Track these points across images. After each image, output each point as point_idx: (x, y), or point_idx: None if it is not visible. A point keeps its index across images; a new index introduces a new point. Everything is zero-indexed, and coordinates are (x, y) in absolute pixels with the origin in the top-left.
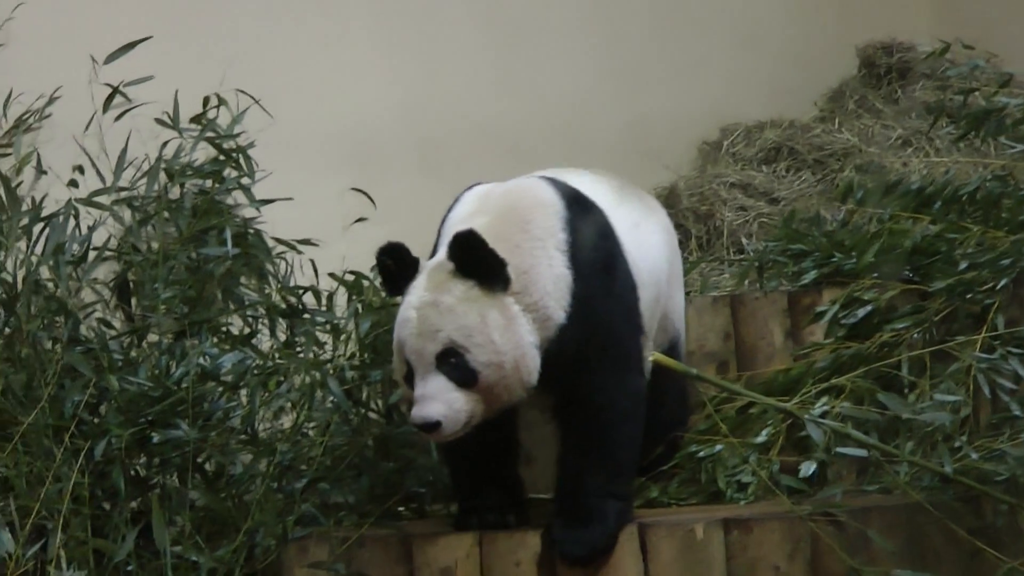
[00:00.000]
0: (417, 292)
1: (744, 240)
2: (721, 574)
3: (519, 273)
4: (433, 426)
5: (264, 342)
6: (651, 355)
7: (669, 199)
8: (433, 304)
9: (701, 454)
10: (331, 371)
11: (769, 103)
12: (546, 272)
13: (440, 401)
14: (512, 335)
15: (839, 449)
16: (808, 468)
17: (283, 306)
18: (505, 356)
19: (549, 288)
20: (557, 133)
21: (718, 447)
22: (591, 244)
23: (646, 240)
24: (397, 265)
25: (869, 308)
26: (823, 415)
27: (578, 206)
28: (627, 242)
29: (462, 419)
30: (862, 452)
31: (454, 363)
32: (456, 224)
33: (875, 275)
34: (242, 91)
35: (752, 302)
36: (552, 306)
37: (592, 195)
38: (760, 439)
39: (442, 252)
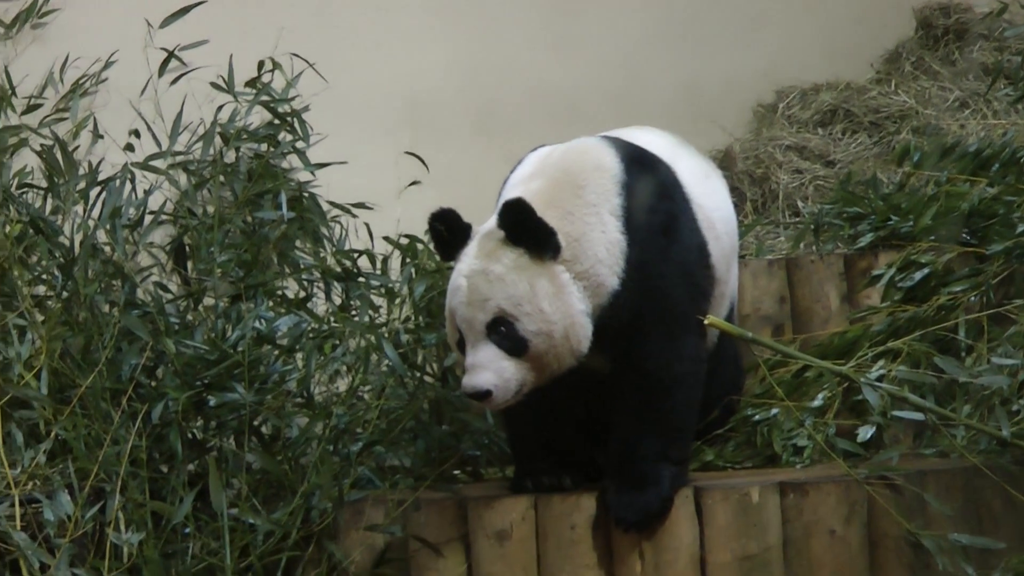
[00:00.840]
0: (467, 260)
1: (800, 203)
2: (777, 538)
3: (570, 241)
4: (484, 395)
5: (319, 305)
6: (706, 319)
7: (724, 162)
8: (483, 273)
9: (757, 418)
10: (386, 335)
11: (825, 65)
12: (598, 239)
13: (490, 370)
14: (562, 304)
15: (895, 412)
16: (864, 432)
17: (338, 270)
18: (555, 325)
19: (602, 255)
20: (611, 96)
21: (774, 411)
22: (648, 207)
23: (718, 190)
24: (449, 231)
25: (926, 271)
26: (879, 379)
27: (637, 167)
28: (699, 194)
29: (512, 388)
30: (919, 416)
31: (504, 332)
32: (513, 187)
33: (932, 238)
34: (296, 55)
35: (808, 265)
36: (604, 273)
37: (659, 150)
38: (816, 403)
39: (493, 219)
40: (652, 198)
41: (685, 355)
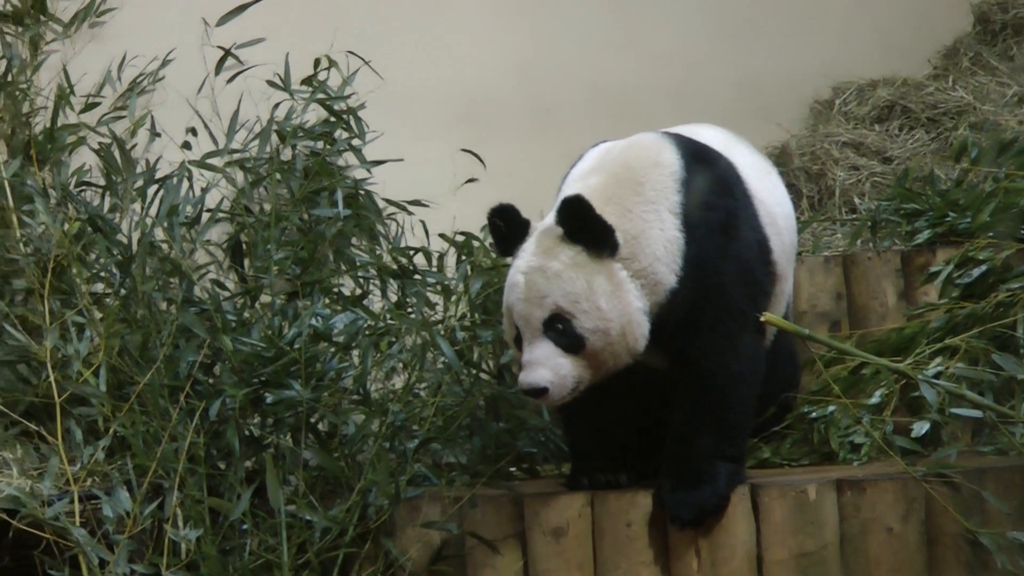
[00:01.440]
0: (525, 256)
1: (856, 199)
2: (834, 535)
3: (628, 238)
4: (540, 392)
5: (375, 303)
6: (762, 316)
7: (780, 158)
8: (540, 270)
9: (813, 415)
10: (442, 332)
11: (882, 61)
12: (657, 236)
13: (547, 367)
14: (619, 301)
15: (953, 410)
16: (922, 429)
17: (394, 267)
18: (611, 323)
19: (659, 253)
20: (669, 93)
21: (831, 408)
22: (707, 204)
23: (778, 187)
24: (507, 226)
25: (984, 268)
26: (937, 375)
27: (697, 163)
28: (760, 189)
29: (568, 385)
30: (977, 413)
31: (561, 329)
32: (573, 182)
33: (990, 234)
34: (352, 53)
35: (865, 262)
36: (662, 271)
37: (720, 147)
38: (873, 400)
39: (552, 215)
40: (712, 195)
41: (743, 353)
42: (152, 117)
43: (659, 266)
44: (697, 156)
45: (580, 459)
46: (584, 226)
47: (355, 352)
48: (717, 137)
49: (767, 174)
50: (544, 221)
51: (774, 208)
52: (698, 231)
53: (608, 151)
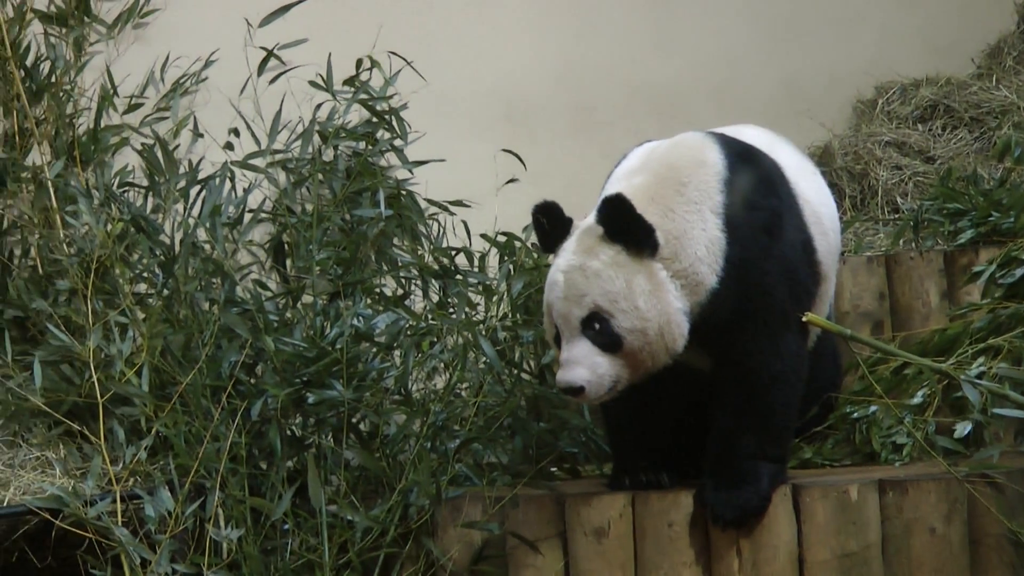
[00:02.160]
0: (566, 255)
1: (899, 199)
2: (876, 536)
3: (670, 238)
4: (577, 391)
5: (417, 303)
6: (805, 316)
7: (823, 158)
8: (580, 268)
9: (855, 415)
10: (483, 332)
11: (925, 60)
12: (699, 236)
13: (584, 366)
14: (658, 301)
15: (996, 410)
16: (964, 429)
17: (436, 267)
18: (649, 322)
19: (701, 253)
20: (711, 93)
21: (873, 408)
22: (751, 204)
23: (823, 186)
24: (550, 223)
25: None
26: (980, 376)
27: (742, 164)
28: (806, 189)
29: (606, 384)
30: (1020, 413)
31: (599, 328)
32: (616, 181)
33: None
34: (395, 53)
35: (908, 262)
36: (704, 271)
37: (766, 147)
38: (916, 400)
39: (593, 214)
40: (756, 195)
41: (785, 353)
42: (195, 118)
43: (700, 266)
44: (742, 156)
45: (622, 459)
46: (625, 226)
47: (397, 352)
48: (761, 137)
49: (812, 174)
50: (586, 220)
51: (819, 208)
52: (741, 231)
53: (652, 151)
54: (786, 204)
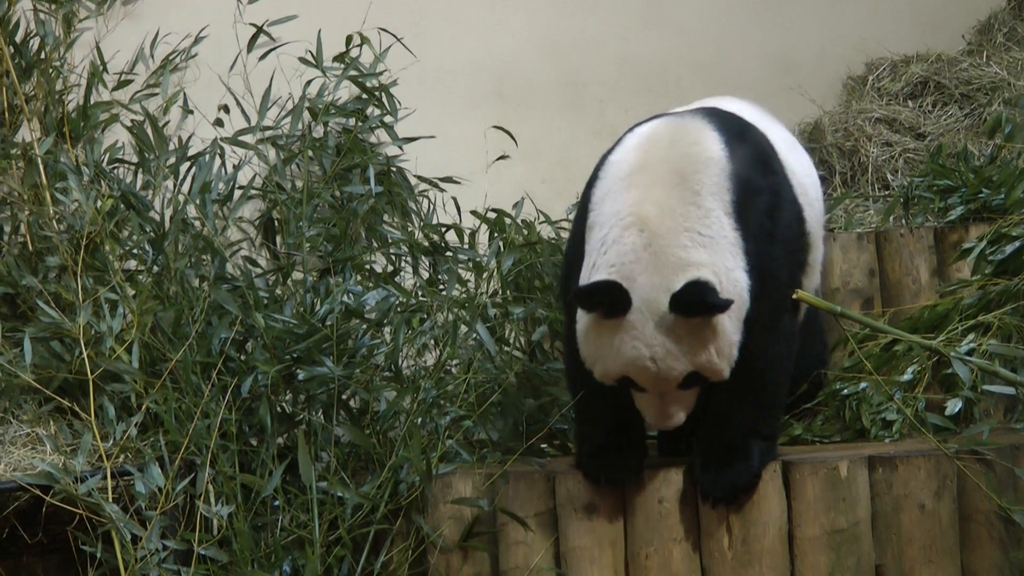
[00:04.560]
0: (644, 331)
1: (889, 176)
2: (866, 512)
3: (718, 275)
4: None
5: (407, 280)
6: (795, 293)
7: (813, 134)
8: (668, 352)
9: (845, 392)
10: (474, 309)
11: (916, 36)
12: (727, 251)
13: (683, 409)
14: (729, 344)
15: (986, 387)
16: (954, 406)
17: (426, 244)
18: (727, 362)
19: (731, 264)
20: (702, 69)
21: (863, 385)
22: (754, 191)
23: (805, 157)
24: (610, 300)
25: (1017, 244)
26: (970, 352)
27: (742, 150)
28: (792, 161)
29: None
30: (1010, 390)
31: (692, 380)
32: (621, 183)
33: None
34: (384, 30)
35: (898, 239)
36: (741, 279)
37: (753, 119)
38: (905, 377)
39: (659, 279)
40: (758, 178)
41: (782, 334)
42: (185, 94)
43: (737, 275)
44: (739, 139)
45: (593, 445)
46: (710, 309)
47: (387, 329)
48: (745, 110)
49: (794, 146)
50: (647, 286)
51: (805, 179)
52: (750, 223)
53: (651, 143)
54: (781, 181)
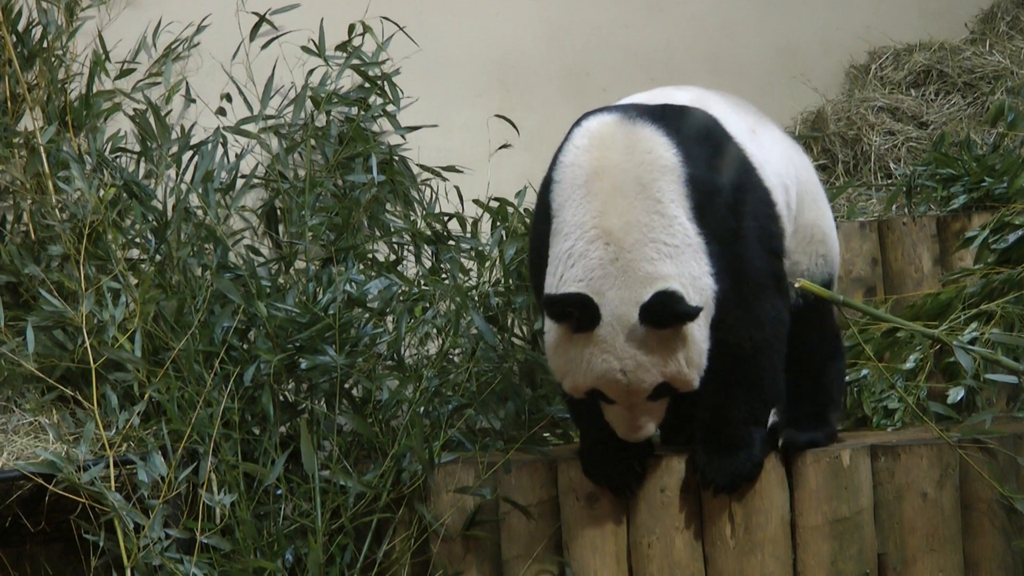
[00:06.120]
0: (615, 344)
1: (892, 165)
2: (868, 501)
3: (685, 284)
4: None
5: (409, 269)
6: (797, 282)
7: (816, 123)
8: (636, 362)
9: (847, 379)
10: (476, 298)
11: (919, 25)
12: (692, 258)
13: (653, 420)
14: (699, 353)
15: (988, 375)
16: (957, 394)
17: (428, 233)
18: (696, 371)
19: (696, 271)
20: (705, 58)
21: (864, 372)
22: (714, 192)
23: (777, 140)
24: (580, 313)
25: (1020, 232)
26: (972, 341)
27: (695, 149)
28: (754, 147)
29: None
30: (1012, 379)
31: (661, 391)
32: (580, 189)
33: None
34: (387, 19)
35: (900, 227)
36: (707, 285)
37: (706, 106)
38: (908, 365)
39: (627, 293)
40: (715, 182)
41: (766, 320)
42: (187, 83)
43: (704, 281)
44: (692, 140)
45: (592, 440)
46: (679, 318)
47: (389, 318)
48: (689, 95)
49: (761, 127)
50: (617, 303)
51: (773, 163)
52: (713, 225)
53: (605, 146)
54: (740, 171)
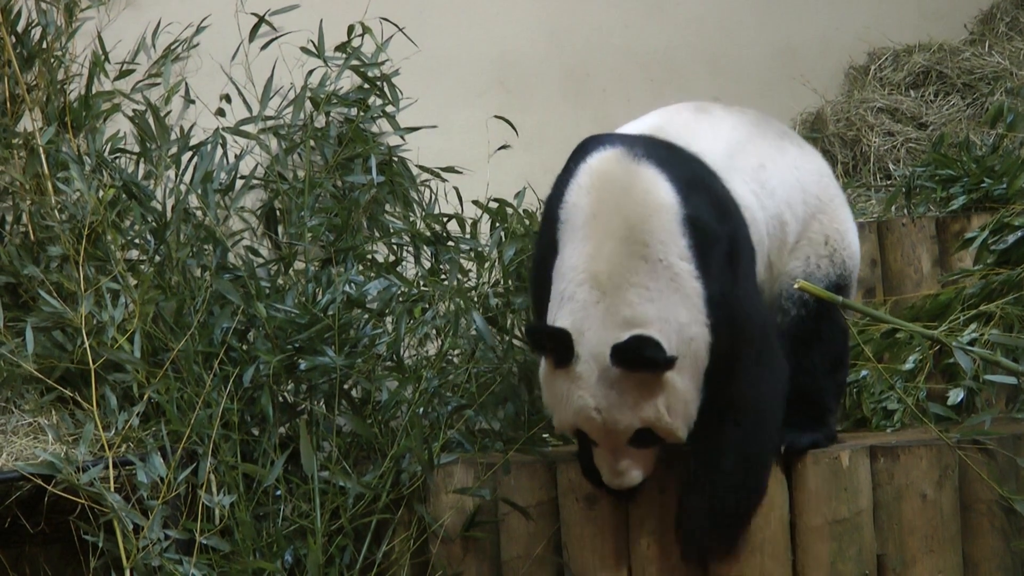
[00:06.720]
0: (590, 382)
1: (891, 166)
2: (868, 501)
3: (667, 332)
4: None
5: (409, 270)
6: (796, 283)
7: (815, 124)
8: (610, 402)
9: (847, 380)
10: (475, 299)
11: (918, 26)
12: (681, 302)
13: (637, 468)
14: (682, 403)
15: (988, 376)
16: (956, 395)
17: (428, 233)
18: (680, 421)
19: (686, 318)
20: (704, 59)
21: (864, 373)
22: (713, 234)
23: (772, 179)
24: (555, 347)
25: (1019, 234)
26: (972, 342)
27: (696, 194)
28: (743, 194)
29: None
30: (1011, 379)
31: (643, 437)
32: (576, 233)
33: None
34: (386, 19)
35: (899, 228)
36: (698, 334)
37: (705, 148)
38: (907, 366)
39: (606, 334)
40: (715, 223)
41: (764, 376)
42: (186, 84)
43: (693, 330)
44: (693, 184)
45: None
46: (649, 365)
47: (389, 319)
48: (696, 132)
49: (761, 168)
50: (593, 342)
51: (758, 213)
52: (711, 267)
53: (604, 187)
54: (735, 219)
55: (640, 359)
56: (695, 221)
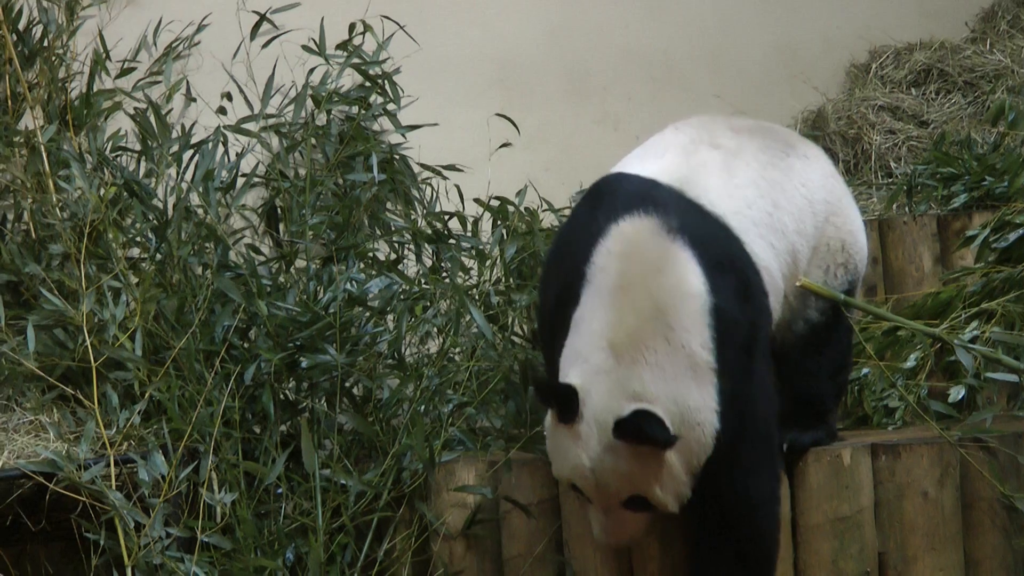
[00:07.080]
0: (589, 444)
1: (892, 164)
2: (869, 500)
3: (673, 415)
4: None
5: (410, 268)
6: (798, 281)
7: (816, 122)
8: (607, 469)
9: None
10: (476, 296)
11: (919, 24)
12: (695, 388)
13: (628, 531)
14: (677, 481)
15: (989, 374)
16: (957, 393)
17: (429, 232)
18: (672, 497)
19: (697, 403)
20: (705, 57)
21: (865, 371)
22: (735, 324)
23: (784, 216)
24: (560, 403)
25: (1021, 232)
26: (973, 340)
27: (723, 279)
28: (761, 252)
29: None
30: (1013, 377)
31: (635, 502)
32: (602, 299)
33: None
34: (387, 17)
35: (901, 226)
36: (706, 420)
37: (728, 209)
38: (908, 364)
39: (612, 402)
40: (736, 314)
41: (776, 474)
42: (187, 82)
43: (702, 415)
44: (720, 268)
45: None
46: (651, 440)
47: (390, 317)
48: (709, 169)
49: (774, 210)
50: (595, 407)
51: (773, 266)
52: (728, 360)
53: (633, 258)
54: (758, 307)
55: (640, 434)
56: (721, 312)
